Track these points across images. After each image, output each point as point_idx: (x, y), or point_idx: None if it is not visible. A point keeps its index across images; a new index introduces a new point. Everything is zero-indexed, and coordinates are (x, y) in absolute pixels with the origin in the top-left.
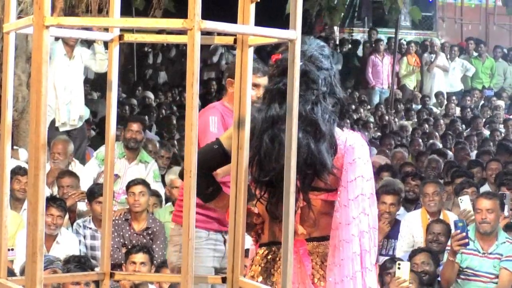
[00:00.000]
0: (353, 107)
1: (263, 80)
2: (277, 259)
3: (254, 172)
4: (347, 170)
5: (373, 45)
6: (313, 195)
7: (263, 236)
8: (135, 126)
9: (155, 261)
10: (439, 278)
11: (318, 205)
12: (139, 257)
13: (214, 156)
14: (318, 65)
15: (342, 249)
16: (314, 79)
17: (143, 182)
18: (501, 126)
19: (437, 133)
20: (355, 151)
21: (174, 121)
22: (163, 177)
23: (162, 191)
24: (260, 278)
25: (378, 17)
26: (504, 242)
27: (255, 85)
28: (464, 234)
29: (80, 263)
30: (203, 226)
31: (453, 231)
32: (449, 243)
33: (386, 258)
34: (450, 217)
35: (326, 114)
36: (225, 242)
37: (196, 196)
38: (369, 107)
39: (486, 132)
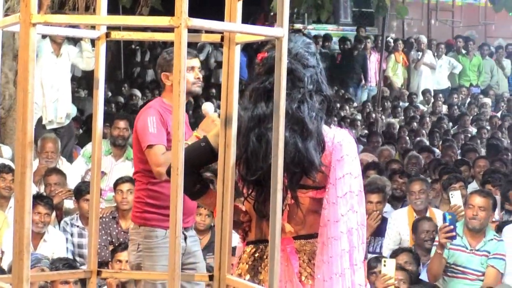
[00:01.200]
0: (338, 105)
1: (196, 62)
2: (264, 257)
3: (242, 171)
4: (335, 167)
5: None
6: (301, 193)
7: (250, 234)
8: (122, 124)
9: None
10: (420, 277)
11: (306, 203)
12: (125, 255)
13: (201, 154)
14: (304, 63)
15: (331, 246)
16: (300, 77)
17: (130, 180)
18: (488, 123)
19: (424, 131)
20: (343, 148)
21: None
22: None
23: None
24: (248, 276)
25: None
26: (492, 239)
27: (191, 68)
28: (452, 227)
29: (67, 262)
30: (160, 225)
31: (441, 223)
32: (436, 238)
33: (373, 256)
34: (437, 214)
35: (313, 112)
36: (185, 238)
37: (184, 193)
38: (355, 104)
39: (473, 130)
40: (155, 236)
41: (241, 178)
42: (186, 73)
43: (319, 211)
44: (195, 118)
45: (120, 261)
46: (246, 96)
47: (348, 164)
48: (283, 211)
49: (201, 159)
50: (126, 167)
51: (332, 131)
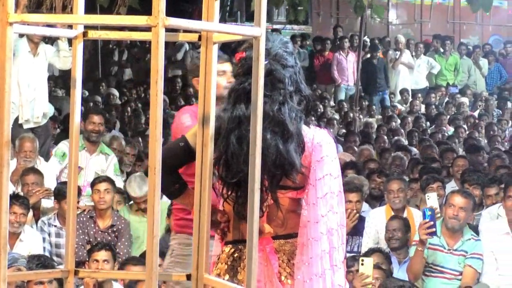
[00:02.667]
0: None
1: (227, 66)
2: (243, 257)
3: (221, 173)
4: (315, 168)
5: (338, 42)
6: (281, 193)
7: (229, 234)
8: (96, 118)
9: (119, 258)
10: (396, 276)
11: (286, 203)
12: (102, 254)
13: (180, 153)
14: (283, 63)
15: (311, 247)
16: (280, 78)
17: (108, 179)
18: (465, 123)
19: (402, 130)
20: (322, 149)
21: (142, 118)
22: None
23: (121, 185)
24: (227, 277)
25: (251, 12)
26: (469, 239)
27: (223, 71)
28: (432, 222)
29: (40, 261)
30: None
31: (421, 219)
32: (416, 238)
33: (351, 255)
34: (414, 213)
35: (293, 113)
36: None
37: (162, 192)
38: (332, 103)
39: (450, 129)
40: (190, 243)
41: (221, 180)
42: (218, 77)
43: (298, 211)
44: None
45: (97, 260)
46: (225, 96)
47: (328, 165)
48: (263, 212)
49: (180, 158)
50: (100, 161)
51: (312, 131)
